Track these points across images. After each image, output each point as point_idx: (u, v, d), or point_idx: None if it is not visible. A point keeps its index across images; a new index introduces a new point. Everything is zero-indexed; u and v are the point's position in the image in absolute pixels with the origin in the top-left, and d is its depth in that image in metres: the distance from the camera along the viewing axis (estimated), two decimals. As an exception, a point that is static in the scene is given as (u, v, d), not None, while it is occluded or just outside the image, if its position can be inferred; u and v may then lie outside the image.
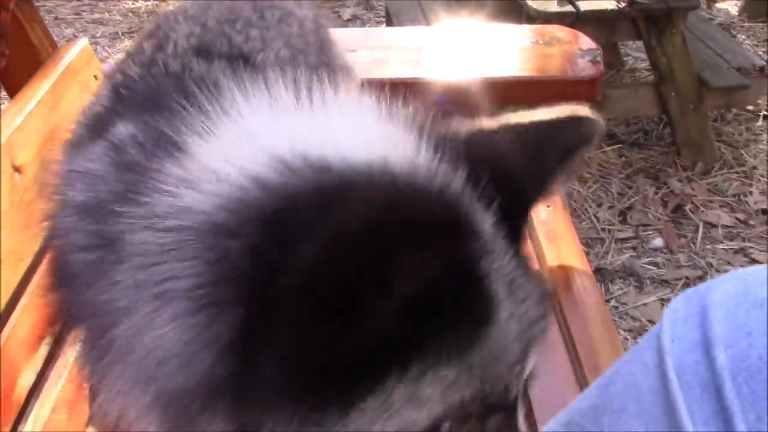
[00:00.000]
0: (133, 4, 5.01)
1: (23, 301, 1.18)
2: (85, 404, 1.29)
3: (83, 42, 1.54)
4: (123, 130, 0.81)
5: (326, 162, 0.62)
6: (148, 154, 0.72)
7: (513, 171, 0.69)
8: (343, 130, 0.68)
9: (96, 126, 0.92)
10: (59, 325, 1.28)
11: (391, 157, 0.63)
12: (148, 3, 5.01)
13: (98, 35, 4.54)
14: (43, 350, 1.23)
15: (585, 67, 1.71)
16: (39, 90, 1.36)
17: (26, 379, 1.18)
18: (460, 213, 0.57)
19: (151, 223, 0.64)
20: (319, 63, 1.20)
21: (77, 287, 0.73)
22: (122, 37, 4.51)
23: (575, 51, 1.77)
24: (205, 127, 0.70)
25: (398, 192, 0.56)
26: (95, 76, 1.54)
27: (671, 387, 0.69)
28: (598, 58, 1.74)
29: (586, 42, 1.79)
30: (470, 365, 0.61)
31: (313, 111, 0.71)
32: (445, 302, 0.59)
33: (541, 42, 1.82)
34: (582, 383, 1.34)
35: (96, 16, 4.81)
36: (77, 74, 1.48)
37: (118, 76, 1.07)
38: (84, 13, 4.84)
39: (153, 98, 0.88)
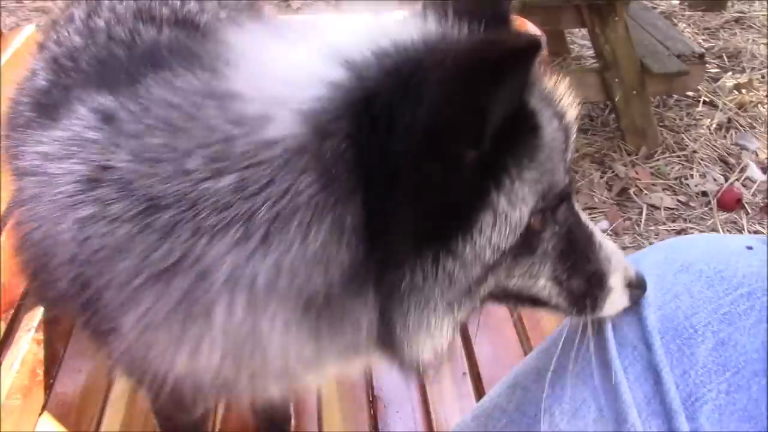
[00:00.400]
0: (77, -8, 4.91)
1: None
2: (39, 390, 1.30)
3: (30, 28, 1.53)
4: (103, 100, 0.82)
5: (383, 49, 0.69)
6: (187, 110, 0.73)
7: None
8: (364, 28, 0.74)
9: (47, 102, 0.92)
10: (12, 311, 1.29)
11: (425, 33, 0.71)
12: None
13: (42, 24, 4.44)
14: (-5, 337, 1.22)
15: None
16: (-15, 76, 1.35)
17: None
18: (523, 46, 0.62)
19: (248, 162, 0.68)
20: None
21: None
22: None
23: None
24: (230, 69, 0.73)
25: (470, 41, 0.66)
26: (42, 63, 1.53)
27: (609, 346, 0.74)
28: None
29: (531, 29, 1.84)
30: (540, 162, 0.73)
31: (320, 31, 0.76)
32: (519, 117, 0.70)
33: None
34: (526, 351, 1.39)
35: (38, 4, 4.71)
36: (25, 60, 1.46)
37: (54, 47, 1.07)
38: (26, 2, 4.74)
39: (117, 66, 0.90)
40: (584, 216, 0.82)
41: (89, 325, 0.83)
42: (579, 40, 4.22)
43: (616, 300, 0.78)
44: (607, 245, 0.82)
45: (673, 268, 0.77)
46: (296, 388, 0.90)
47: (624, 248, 2.80)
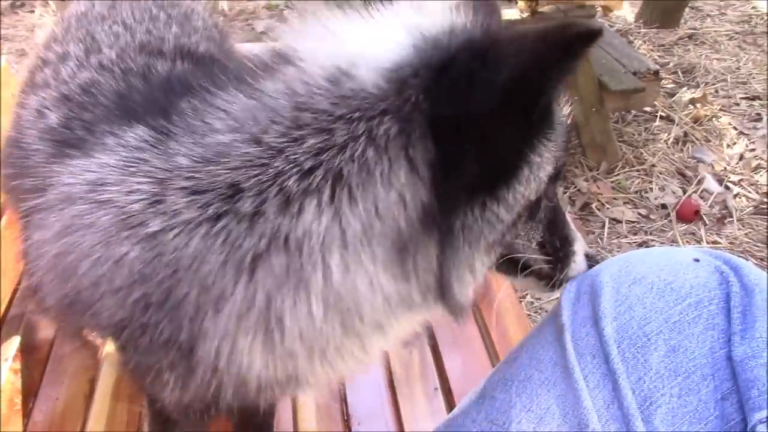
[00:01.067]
0: (39, 19, 4.90)
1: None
2: (17, 418, 1.31)
3: (1, 61, 1.55)
4: (144, 125, 0.87)
5: (445, 28, 0.79)
6: (245, 103, 0.80)
7: None
8: (406, 20, 0.82)
9: (67, 138, 0.95)
10: None
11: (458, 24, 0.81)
12: (54, 18, 4.91)
13: (4, 51, 4.42)
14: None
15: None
16: (-43, 110, 1.37)
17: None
18: (588, 31, 0.72)
19: (329, 119, 0.76)
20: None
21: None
22: (29, 54, 4.41)
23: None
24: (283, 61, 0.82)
25: (535, 28, 0.75)
26: (13, 95, 1.55)
27: (569, 357, 0.79)
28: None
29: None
30: (557, 136, 0.85)
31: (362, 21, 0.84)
32: (544, 107, 0.80)
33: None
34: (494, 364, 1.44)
35: (2, 32, 4.69)
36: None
37: (57, 84, 1.09)
38: (-11, 29, 4.71)
39: (141, 95, 0.95)
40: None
41: (153, 349, 0.85)
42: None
43: (579, 262, 0.95)
44: (569, 219, 0.97)
45: (627, 280, 0.83)
46: (372, 357, 0.96)
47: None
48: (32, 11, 5.00)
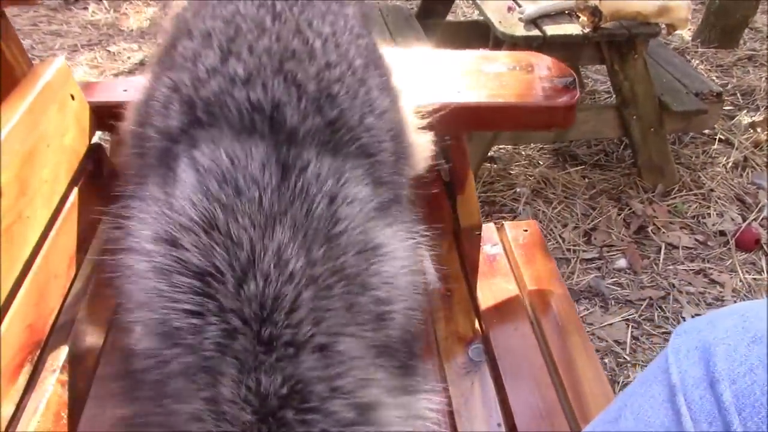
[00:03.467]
0: (92, 16, 4.93)
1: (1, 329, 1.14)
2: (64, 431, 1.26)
3: (60, 60, 1.51)
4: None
5: None
6: None
7: None
8: None
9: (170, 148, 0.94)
10: (38, 352, 1.25)
11: None
12: (108, 15, 4.93)
13: (56, 47, 4.45)
14: (22, 380, 1.19)
15: (561, 94, 1.74)
16: (16, 111, 1.32)
17: (5, 411, 1.14)
18: None
19: None
20: None
21: None
22: (81, 50, 4.43)
23: (551, 77, 1.80)
24: None
25: None
26: (72, 96, 1.51)
27: (684, 422, 0.71)
28: (574, 85, 1.77)
29: (562, 68, 1.82)
30: None
31: None
32: None
33: (517, 68, 1.84)
34: (564, 406, 1.36)
35: (54, 27, 4.72)
36: (55, 94, 1.45)
37: (189, 89, 1.04)
38: (41, 24, 4.75)
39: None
40: None
41: None
42: (593, 74, 4.22)
43: None
44: None
45: (745, 338, 0.74)
46: None
47: (642, 288, 2.77)
48: (86, 8, 5.03)
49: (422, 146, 1.38)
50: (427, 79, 1.75)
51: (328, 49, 1.06)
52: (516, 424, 1.31)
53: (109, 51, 4.44)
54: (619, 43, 3.04)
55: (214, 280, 0.86)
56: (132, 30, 4.74)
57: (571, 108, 1.71)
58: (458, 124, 1.72)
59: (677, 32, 4.41)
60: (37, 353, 1.25)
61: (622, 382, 2.40)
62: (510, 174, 3.39)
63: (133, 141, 1.15)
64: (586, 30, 2.95)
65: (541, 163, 3.49)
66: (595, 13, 2.90)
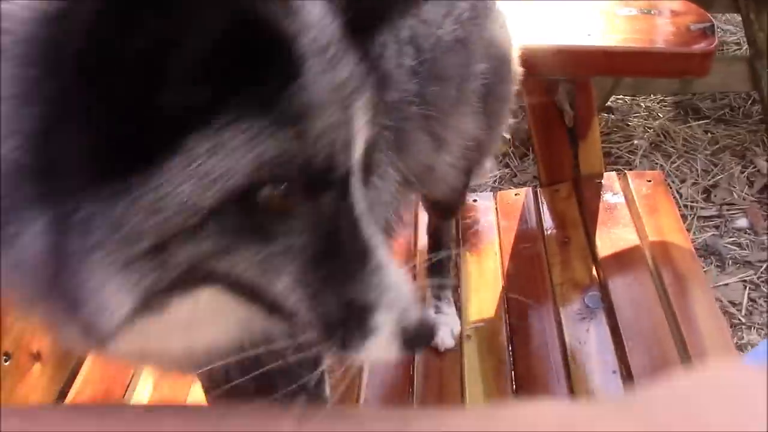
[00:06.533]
0: None
1: None
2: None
3: None
4: None
5: None
6: None
7: None
8: None
9: None
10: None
11: None
12: None
13: None
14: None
15: (698, 40, 1.66)
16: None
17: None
18: None
19: None
20: None
21: None
22: None
23: (687, 23, 1.72)
24: None
25: None
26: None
27: None
28: (712, 31, 1.69)
29: (699, 13, 1.74)
30: (277, 119, 0.59)
31: None
32: (244, 60, 0.57)
33: (651, 12, 1.77)
34: (684, 361, 1.34)
35: None
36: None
37: None
38: None
39: None
40: (366, 223, 0.65)
41: None
42: (722, 24, 4.00)
43: (379, 346, 0.63)
44: (388, 272, 0.64)
45: None
46: None
47: (763, 249, 2.66)
48: None
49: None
50: (553, 20, 1.71)
51: None
52: (632, 374, 1.31)
53: None
54: (758, -9, 2.87)
55: None
56: None
57: (708, 55, 1.64)
58: (587, 68, 1.68)
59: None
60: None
61: (736, 343, 2.33)
62: (628, 125, 3.29)
63: None
64: None
65: (662, 115, 3.36)
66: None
